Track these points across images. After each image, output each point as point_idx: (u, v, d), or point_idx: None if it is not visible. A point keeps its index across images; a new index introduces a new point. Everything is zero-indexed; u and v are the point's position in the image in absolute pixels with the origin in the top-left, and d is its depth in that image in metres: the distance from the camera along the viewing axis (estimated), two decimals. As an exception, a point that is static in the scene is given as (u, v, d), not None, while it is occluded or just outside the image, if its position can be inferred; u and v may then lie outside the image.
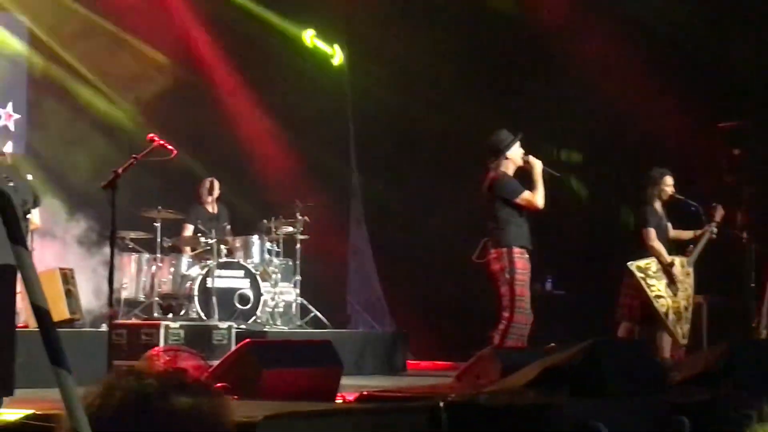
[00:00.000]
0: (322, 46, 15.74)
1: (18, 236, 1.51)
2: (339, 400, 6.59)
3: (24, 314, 9.88)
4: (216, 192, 13.20)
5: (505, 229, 9.48)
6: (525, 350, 8.83)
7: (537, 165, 9.61)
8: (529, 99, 13.70)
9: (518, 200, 9.53)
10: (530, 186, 9.58)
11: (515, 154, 9.66)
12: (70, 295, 11.24)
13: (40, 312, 1.56)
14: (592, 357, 5.80)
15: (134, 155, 9.04)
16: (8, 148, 11.34)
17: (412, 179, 14.74)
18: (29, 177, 11.19)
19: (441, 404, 5.10)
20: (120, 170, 8.63)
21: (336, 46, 15.76)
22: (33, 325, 10.02)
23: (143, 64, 14.70)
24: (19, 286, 6.47)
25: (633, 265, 10.43)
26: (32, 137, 13.90)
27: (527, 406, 5.28)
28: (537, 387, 5.60)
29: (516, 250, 9.43)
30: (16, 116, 13.98)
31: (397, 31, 14.45)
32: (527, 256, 9.51)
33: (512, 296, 9.37)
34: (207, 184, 13.23)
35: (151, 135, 9.39)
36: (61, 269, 11.31)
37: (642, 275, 10.40)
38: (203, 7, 14.94)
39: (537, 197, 9.52)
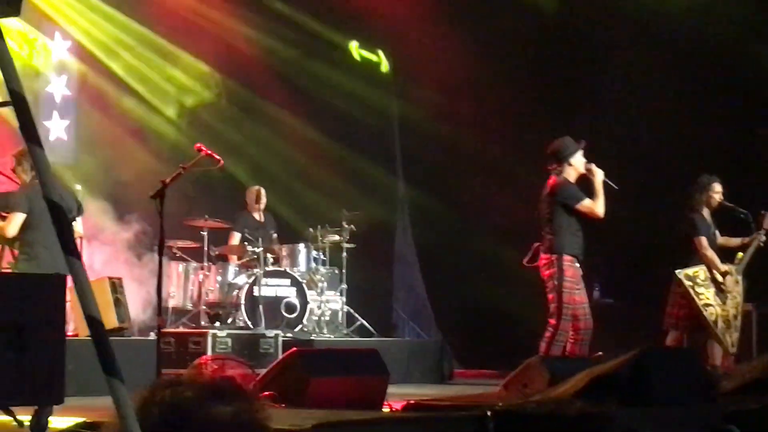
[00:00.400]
0: (367, 55, 15.77)
1: (72, 247, 1.53)
2: (386, 409, 6.59)
3: (73, 323, 9.97)
4: (263, 201, 13.23)
5: (558, 236, 9.48)
6: (572, 359, 8.79)
7: (599, 174, 9.60)
8: (572, 105, 13.64)
9: (579, 206, 9.51)
10: (590, 195, 9.58)
11: (578, 161, 9.65)
12: (119, 304, 11.32)
13: (94, 322, 1.57)
14: (640, 366, 5.76)
15: (182, 165, 9.09)
16: (56, 158, 11.46)
17: (458, 187, 14.71)
18: (78, 187, 11.30)
19: (488, 413, 5.10)
20: (168, 180, 8.67)
21: (382, 55, 15.79)
22: (82, 334, 10.11)
23: (190, 75, 14.81)
24: (68, 295, 6.52)
25: (681, 273, 10.34)
26: (80, 148, 14.02)
27: (575, 415, 5.25)
28: (585, 396, 5.57)
29: (566, 257, 9.42)
30: (65, 124, 14.10)
31: (442, 39, 14.44)
32: (578, 264, 9.49)
33: (559, 303, 9.35)
34: (254, 193, 13.28)
35: (199, 145, 9.43)
36: (109, 278, 11.40)
37: (690, 283, 10.31)
38: (249, 18, 15.00)
39: (598, 206, 9.52)
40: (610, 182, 9.67)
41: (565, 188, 9.59)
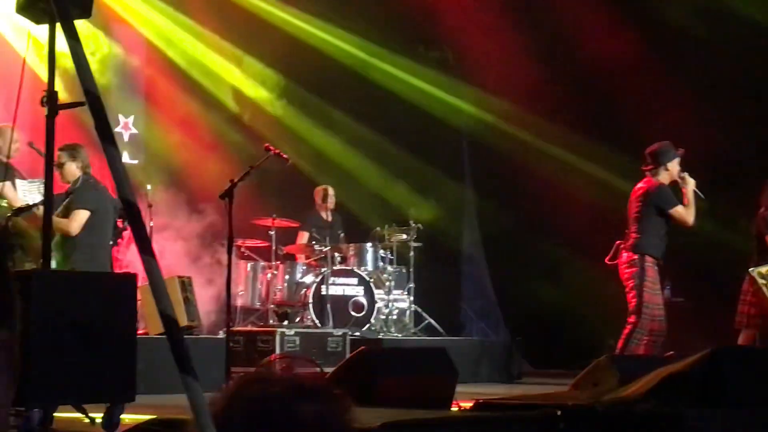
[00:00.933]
0: (436, 57, 15.77)
1: (147, 247, 1.53)
2: (454, 408, 6.56)
3: (143, 321, 10.06)
4: (330, 200, 13.27)
5: (644, 236, 9.59)
6: (643, 358, 8.72)
7: (691, 183, 9.71)
8: (641, 106, 13.52)
9: (673, 211, 9.64)
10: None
11: (674, 167, 9.75)
12: (188, 302, 11.41)
13: (168, 321, 1.58)
14: (712, 365, 5.68)
15: (251, 165, 9.16)
16: (125, 158, 11.56)
17: (526, 187, 14.64)
18: (148, 187, 11.41)
19: (558, 413, 5.06)
20: (236, 179, 8.74)
21: (447, 59, 15.77)
22: (153, 332, 10.21)
23: (253, 75, 14.91)
24: (138, 294, 6.58)
25: (755, 271, 10.21)
26: (150, 147, 14.16)
27: (646, 415, 5.20)
28: (656, 396, 5.50)
29: (648, 258, 9.56)
30: (133, 130, 14.25)
31: (509, 44, 14.38)
32: (656, 267, 9.61)
33: (639, 301, 9.45)
34: (321, 192, 13.32)
35: (267, 144, 9.49)
36: (179, 277, 11.50)
37: (764, 281, 10.17)
38: (315, 22, 15.07)
39: (690, 214, 9.65)
40: (699, 193, 9.74)
41: (662, 191, 9.72)
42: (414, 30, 15.41)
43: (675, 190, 9.79)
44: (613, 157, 13.11)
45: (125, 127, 14.02)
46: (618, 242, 9.75)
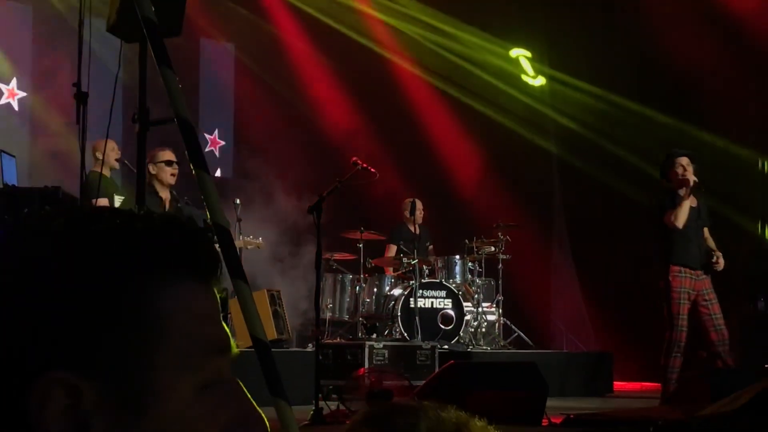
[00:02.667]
0: (525, 65, 15.74)
1: (238, 270, 1.53)
2: (545, 423, 6.52)
3: (234, 335, 10.14)
4: (418, 212, 13.25)
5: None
6: (737, 372, 8.58)
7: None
8: (717, 111, 13.35)
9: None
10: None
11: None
12: (278, 315, 11.48)
13: (260, 344, 1.57)
14: (809, 381, 5.57)
15: (338, 179, 9.20)
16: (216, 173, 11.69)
17: (615, 197, 14.51)
18: (237, 201, 11.51)
19: (651, 429, 5.00)
20: (325, 193, 8.78)
21: (540, 65, 15.73)
22: (242, 346, 10.26)
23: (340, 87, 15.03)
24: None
25: None
26: (239, 161, 14.31)
27: (741, 431, 5.11)
28: (751, 411, 5.41)
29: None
30: (222, 142, 14.42)
31: (597, 47, 14.29)
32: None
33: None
34: (409, 204, 13.32)
35: (355, 158, 9.52)
36: (268, 290, 11.56)
37: None
38: (402, 30, 15.12)
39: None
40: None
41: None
42: (506, 38, 15.38)
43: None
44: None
45: (213, 143, 14.18)
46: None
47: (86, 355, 0.95)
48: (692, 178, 9.42)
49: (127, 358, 0.96)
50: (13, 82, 13.16)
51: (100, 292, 0.95)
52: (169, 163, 9.08)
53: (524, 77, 15.73)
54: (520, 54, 15.69)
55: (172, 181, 9.14)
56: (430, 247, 13.41)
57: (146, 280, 0.98)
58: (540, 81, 15.76)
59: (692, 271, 9.44)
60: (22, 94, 13.20)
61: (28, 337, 0.93)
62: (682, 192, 9.42)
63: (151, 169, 8.94)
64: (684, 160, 9.52)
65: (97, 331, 0.95)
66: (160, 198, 9.16)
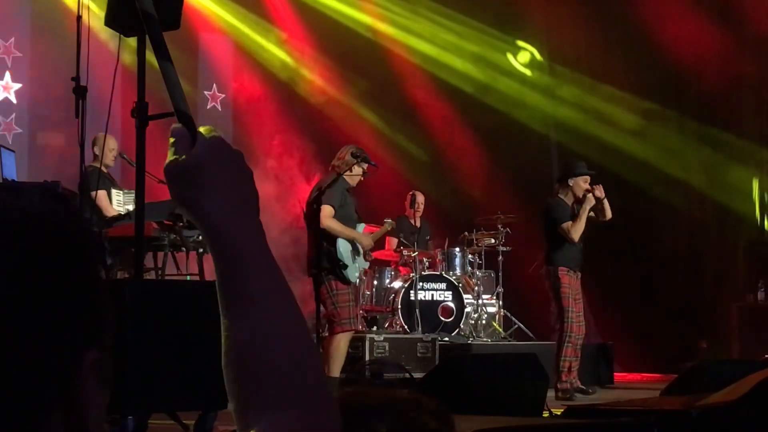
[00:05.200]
0: (526, 58, 15.73)
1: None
2: (546, 414, 6.53)
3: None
4: (418, 205, 13.25)
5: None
6: (738, 362, 8.60)
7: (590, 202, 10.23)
8: (716, 101, 13.36)
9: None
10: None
11: (578, 185, 10.36)
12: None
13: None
14: (809, 370, 5.58)
15: (338, 171, 9.19)
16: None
17: (616, 189, 14.50)
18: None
19: (651, 419, 5.00)
20: (324, 186, 8.78)
21: (539, 59, 15.71)
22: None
23: (346, 81, 15.02)
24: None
25: None
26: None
27: (741, 420, 5.12)
28: (751, 401, 5.41)
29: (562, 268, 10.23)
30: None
31: (598, 43, 14.28)
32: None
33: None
34: (409, 197, 13.31)
35: (341, 155, 9.52)
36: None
37: None
38: (403, 22, 15.13)
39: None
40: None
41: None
42: (507, 28, 15.37)
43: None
44: (705, 164, 12.98)
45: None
46: None
47: (100, 335, 1.13)
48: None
49: (106, 336, 1.15)
50: (6, 76, 13.19)
51: (101, 284, 1.15)
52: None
53: (524, 68, 15.71)
54: (521, 44, 15.69)
55: (361, 179, 9.38)
56: (430, 241, 13.41)
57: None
58: (539, 70, 15.75)
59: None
60: (17, 86, 13.22)
61: (74, 325, 1.11)
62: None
63: (344, 165, 9.17)
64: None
65: (103, 314, 1.14)
66: (352, 194, 9.41)
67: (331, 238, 9.07)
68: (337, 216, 9.10)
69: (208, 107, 14.63)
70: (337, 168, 9.17)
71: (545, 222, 10.29)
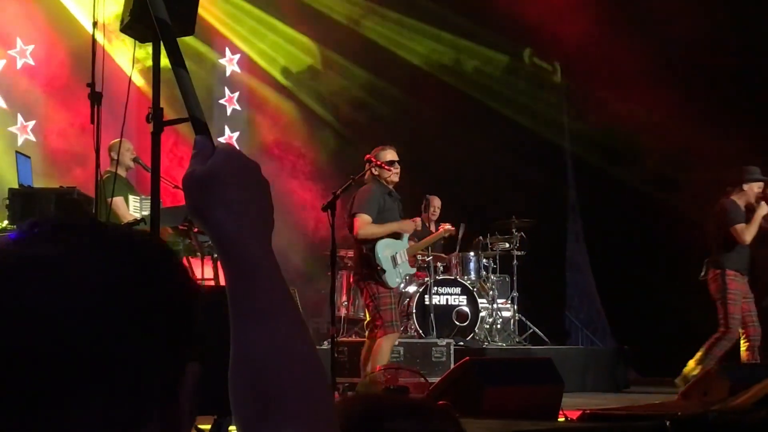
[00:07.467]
0: (539, 63, 15.71)
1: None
2: (561, 419, 6.52)
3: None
4: (434, 209, 13.23)
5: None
6: (753, 366, 8.58)
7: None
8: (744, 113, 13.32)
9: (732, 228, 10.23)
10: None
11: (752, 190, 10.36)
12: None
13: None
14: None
15: (352, 176, 9.20)
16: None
17: (629, 194, 14.48)
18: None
19: (668, 423, 4.99)
20: (338, 191, 8.79)
21: (555, 64, 15.70)
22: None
23: (356, 85, 15.04)
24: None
25: None
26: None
27: (758, 424, 5.10)
28: (767, 405, 5.40)
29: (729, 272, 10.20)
30: (234, 137, 14.45)
31: (612, 47, 14.25)
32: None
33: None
34: (424, 201, 13.30)
35: (368, 156, 9.53)
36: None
37: None
38: (414, 28, 15.15)
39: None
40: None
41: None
42: (520, 35, 15.35)
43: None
44: (722, 169, 12.93)
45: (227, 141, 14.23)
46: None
47: (195, 348, 1.20)
48: None
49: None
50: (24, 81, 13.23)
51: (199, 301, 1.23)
52: (391, 163, 9.30)
53: (538, 74, 15.71)
54: (532, 52, 15.68)
55: (395, 179, 9.38)
56: (444, 244, 13.39)
57: None
58: (556, 77, 15.74)
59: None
60: (35, 89, 13.29)
61: (180, 339, 1.18)
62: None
63: (373, 170, 9.26)
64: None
65: (196, 329, 1.21)
66: (393, 197, 9.42)
67: (370, 243, 9.13)
68: (376, 222, 9.17)
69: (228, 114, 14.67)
70: (358, 176, 9.27)
71: (718, 223, 10.36)
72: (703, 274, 10.43)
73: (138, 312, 1.12)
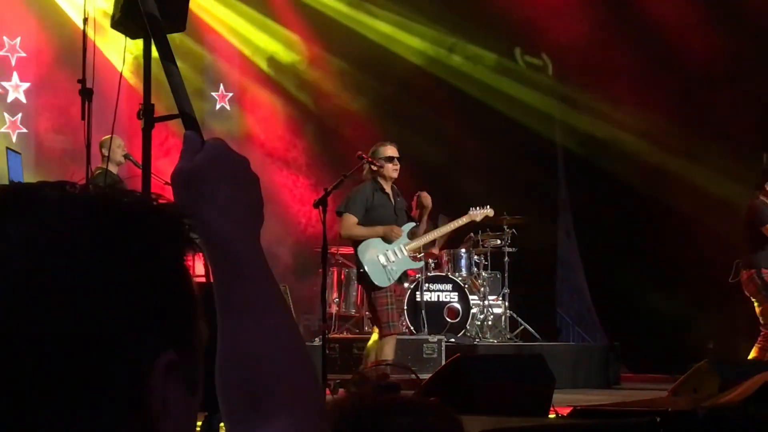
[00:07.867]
0: (530, 59, 15.71)
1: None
2: (552, 415, 6.52)
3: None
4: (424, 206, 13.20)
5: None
6: (744, 363, 8.61)
7: None
8: (735, 101, 13.32)
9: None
10: None
11: None
12: (285, 310, 11.47)
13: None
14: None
15: (343, 174, 9.21)
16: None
17: (622, 189, 14.49)
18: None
19: (658, 419, 5.00)
20: (330, 188, 8.79)
21: (547, 60, 15.69)
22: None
23: (350, 83, 15.04)
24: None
25: None
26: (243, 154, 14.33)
27: (747, 421, 5.12)
28: (759, 402, 5.41)
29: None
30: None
31: (604, 44, 14.26)
32: None
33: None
34: (416, 199, 13.28)
35: (360, 152, 9.53)
36: (275, 285, 11.55)
37: None
38: (407, 26, 15.16)
39: None
40: None
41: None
42: (511, 31, 15.35)
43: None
44: (713, 166, 12.95)
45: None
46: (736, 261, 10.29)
47: (182, 336, 1.09)
48: None
49: (194, 337, 1.12)
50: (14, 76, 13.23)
51: (188, 282, 1.12)
52: (390, 159, 9.30)
53: (529, 71, 15.71)
54: (522, 50, 15.69)
55: (394, 175, 9.39)
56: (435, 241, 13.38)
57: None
58: (547, 72, 15.74)
59: None
60: (24, 85, 13.26)
61: (148, 325, 1.05)
62: None
63: (371, 167, 9.25)
64: None
65: (186, 314, 1.11)
66: (386, 193, 9.40)
67: (355, 243, 9.12)
68: (364, 221, 9.11)
69: (217, 108, 14.65)
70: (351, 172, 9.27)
71: (748, 223, 10.29)
72: (733, 276, 10.38)
73: (93, 281, 1.01)
